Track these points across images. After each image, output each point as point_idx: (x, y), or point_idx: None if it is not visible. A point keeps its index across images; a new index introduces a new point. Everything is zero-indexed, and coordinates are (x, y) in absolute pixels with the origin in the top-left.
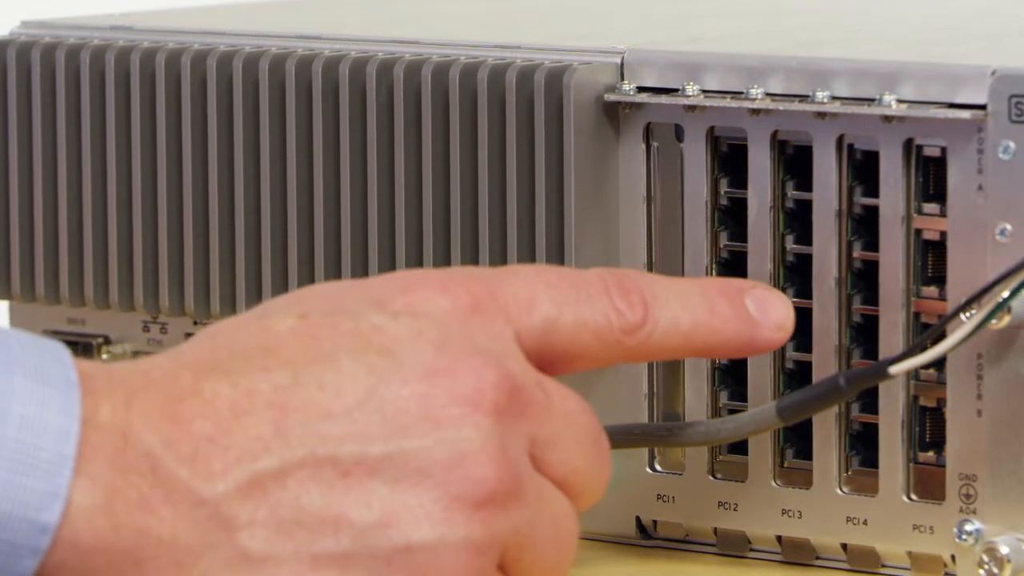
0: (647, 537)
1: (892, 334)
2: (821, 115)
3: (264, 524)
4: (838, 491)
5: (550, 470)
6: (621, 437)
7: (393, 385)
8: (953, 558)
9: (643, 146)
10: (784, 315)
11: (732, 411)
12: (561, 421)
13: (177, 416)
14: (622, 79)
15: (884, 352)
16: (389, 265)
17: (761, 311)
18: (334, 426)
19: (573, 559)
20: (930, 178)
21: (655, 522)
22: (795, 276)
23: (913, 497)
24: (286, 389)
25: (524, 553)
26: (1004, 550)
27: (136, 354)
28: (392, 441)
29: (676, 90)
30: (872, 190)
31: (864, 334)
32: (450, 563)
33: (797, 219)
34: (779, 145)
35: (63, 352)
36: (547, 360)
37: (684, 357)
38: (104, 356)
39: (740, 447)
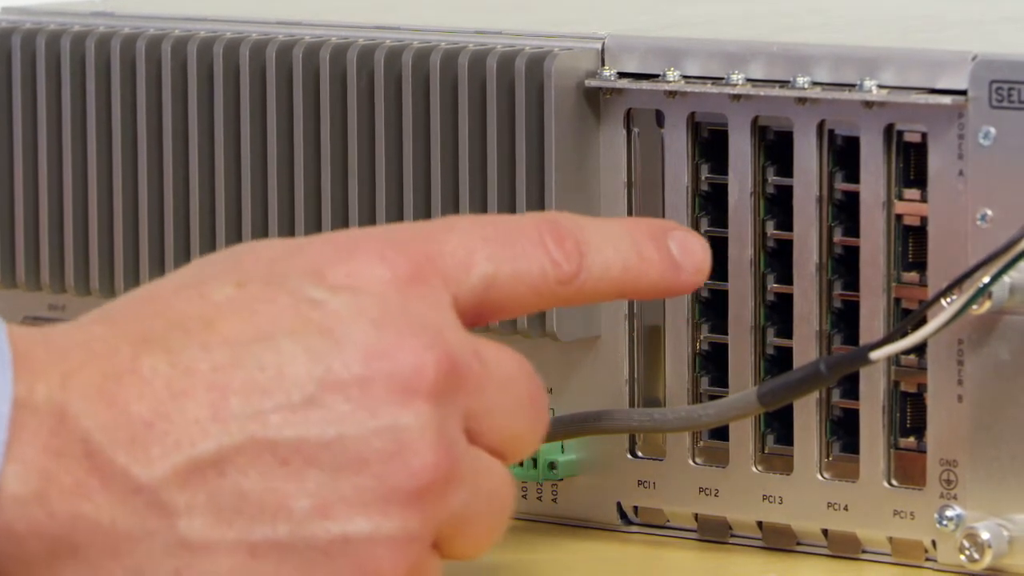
0: (628, 523)
1: (873, 320)
2: (802, 101)
3: (203, 511)
4: (819, 477)
5: (484, 440)
6: (601, 423)
7: (333, 369)
8: (934, 543)
9: (624, 132)
10: (703, 258)
11: (713, 397)
12: (497, 389)
13: (115, 398)
14: (603, 65)
15: (865, 338)
16: None
17: (683, 253)
18: (273, 411)
19: (508, 523)
20: (911, 164)
21: (636, 508)
22: (776, 262)
23: (894, 483)
24: (225, 370)
25: (459, 530)
26: (985, 535)
27: None
28: (331, 428)
29: (657, 76)
30: (853, 176)
31: (845, 320)
32: (386, 553)
33: (778, 205)
34: (760, 131)
35: None
36: (482, 313)
37: (609, 300)
38: None
39: (721, 433)
